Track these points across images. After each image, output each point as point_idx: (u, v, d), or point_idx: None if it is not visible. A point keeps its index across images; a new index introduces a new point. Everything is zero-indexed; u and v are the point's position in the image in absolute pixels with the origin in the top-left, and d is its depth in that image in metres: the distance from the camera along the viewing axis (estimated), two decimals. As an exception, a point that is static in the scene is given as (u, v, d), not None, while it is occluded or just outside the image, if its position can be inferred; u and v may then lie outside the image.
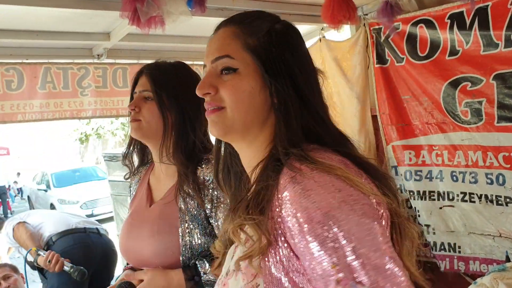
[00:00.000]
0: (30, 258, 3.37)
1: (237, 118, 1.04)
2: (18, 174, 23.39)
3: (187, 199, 1.73)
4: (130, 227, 1.86)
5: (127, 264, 1.94)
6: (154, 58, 4.08)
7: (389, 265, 0.80)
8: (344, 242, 0.80)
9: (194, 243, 1.72)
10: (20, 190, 22.57)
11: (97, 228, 3.94)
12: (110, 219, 10.23)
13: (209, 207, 1.73)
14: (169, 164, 1.80)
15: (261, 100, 1.03)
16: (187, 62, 4.42)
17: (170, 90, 1.78)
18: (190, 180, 1.73)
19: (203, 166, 1.76)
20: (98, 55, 3.70)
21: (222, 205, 1.71)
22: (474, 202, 3.04)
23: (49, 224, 3.75)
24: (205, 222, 1.75)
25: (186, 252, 1.71)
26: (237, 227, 0.96)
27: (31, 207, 17.35)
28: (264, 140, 1.06)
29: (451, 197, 3.16)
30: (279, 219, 0.88)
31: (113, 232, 7.26)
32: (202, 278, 1.68)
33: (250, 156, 1.08)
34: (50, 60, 3.69)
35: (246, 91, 1.02)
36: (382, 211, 0.91)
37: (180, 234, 1.71)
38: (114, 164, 8.38)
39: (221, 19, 3.14)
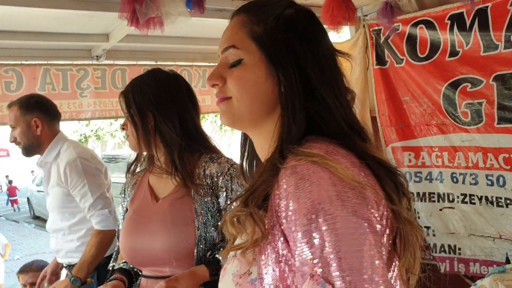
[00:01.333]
0: None
1: (243, 108, 1.03)
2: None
3: (200, 192, 1.80)
4: (135, 225, 1.86)
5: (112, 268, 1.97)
6: (153, 59, 4.14)
7: (369, 271, 0.75)
8: (326, 236, 0.77)
9: (208, 235, 1.76)
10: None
11: None
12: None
13: (221, 197, 1.81)
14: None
15: (268, 89, 1.01)
16: (186, 63, 4.48)
17: (135, 100, 1.89)
18: (187, 173, 1.83)
19: (214, 160, 1.86)
20: (97, 56, 3.70)
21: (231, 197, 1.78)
22: (474, 203, 3.03)
23: None
24: (217, 215, 1.79)
25: (201, 244, 1.74)
26: (233, 218, 0.95)
27: (31, 208, 17.35)
28: (272, 129, 1.03)
29: (451, 199, 3.15)
30: (276, 210, 0.87)
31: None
32: None
33: (261, 144, 1.08)
34: (49, 62, 3.69)
35: (251, 81, 1.01)
36: (382, 211, 0.87)
37: (197, 225, 1.74)
38: (113, 165, 8.40)
39: (219, 20, 3.15)
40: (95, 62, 3.78)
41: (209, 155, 1.89)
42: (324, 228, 0.78)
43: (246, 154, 1.22)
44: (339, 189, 0.82)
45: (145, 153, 1.99)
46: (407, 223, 0.91)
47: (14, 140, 2.91)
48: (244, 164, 1.23)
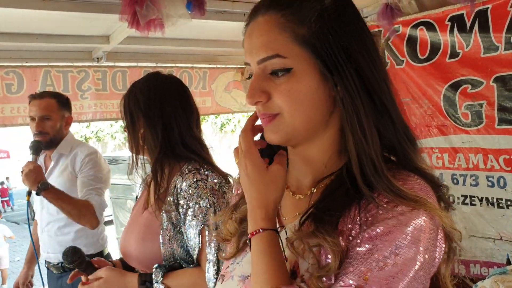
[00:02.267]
0: None
1: (297, 122, 0.89)
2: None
3: (164, 208, 1.78)
4: (126, 232, 1.94)
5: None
6: (154, 61, 4.14)
7: None
8: (390, 264, 0.78)
9: (175, 251, 1.77)
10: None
11: None
12: (109, 222, 10.23)
13: (181, 216, 1.77)
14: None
15: (322, 97, 0.88)
16: (187, 65, 4.47)
17: (128, 107, 1.89)
18: (160, 193, 1.81)
19: (184, 174, 1.79)
20: (97, 58, 3.70)
21: (189, 216, 1.73)
22: (475, 205, 3.03)
23: None
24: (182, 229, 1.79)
25: (168, 258, 1.77)
26: (312, 246, 0.85)
27: (31, 210, 17.32)
28: (329, 138, 0.93)
29: (451, 200, 3.14)
30: (350, 238, 0.83)
31: (112, 236, 7.25)
32: (153, 286, 1.74)
33: (313, 157, 0.97)
34: (50, 63, 3.70)
35: (305, 92, 0.87)
36: (442, 240, 0.87)
37: (161, 241, 1.76)
38: (113, 167, 8.37)
39: (220, 22, 3.13)
40: (95, 64, 3.79)
41: (189, 166, 1.82)
42: (392, 257, 0.78)
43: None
44: (424, 238, 0.81)
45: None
46: (457, 238, 0.91)
47: (41, 130, 2.97)
48: None
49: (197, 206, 1.72)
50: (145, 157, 1.96)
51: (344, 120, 0.88)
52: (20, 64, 3.59)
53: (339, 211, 0.86)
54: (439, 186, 0.92)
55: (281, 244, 0.91)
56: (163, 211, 1.78)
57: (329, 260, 0.82)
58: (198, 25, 2.97)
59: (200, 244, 1.72)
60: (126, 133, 1.94)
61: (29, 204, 3.03)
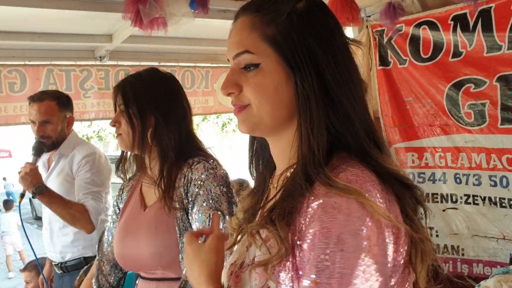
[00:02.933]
0: None
1: (263, 115, 0.97)
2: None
3: (176, 205, 1.75)
4: (126, 233, 1.87)
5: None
6: (156, 60, 4.15)
7: None
8: (337, 268, 0.79)
9: None
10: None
11: None
12: (111, 221, 10.23)
13: (188, 200, 1.76)
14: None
15: (288, 93, 0.95)
16: (190, 64, 4.47)
17: (137, 99, 1.83)
18: (169, 184, 1.78)
19: (193, 166, 1.78)
20: (100, 57, 3.71)
21: (199, 201, 1.72)
22: (477, 204, 3.03)
23: None
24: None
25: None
26: (255, 230, 0.93)
27: (33, 209, 17.37)
28: (291, 137, 0.99)
29: (454, 200, 3.15)
30: (303, 229, 0.85)
31: (115, 234, 7.25)
32: None
33: (279, 151, 1.05)
34: (52, 62, 3.70)
35: (271, 87, 0.95)
36: (403, 239, 0.88)
37: (177, 232, 1.73)
38: (115, 166, 8.39)
39: (223, 21, 3.14)
40: (98, 62, 3.79)
41: (194, 159, 1.81)
42: (337, 259, 0.79)
43: (253, 154, 1.19)
44: (363, 225, 0.81)
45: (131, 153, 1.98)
46: (424, 239, 0.92)
47: (42, 135, 2.93)
48: (251, 163, 1.20)
49: (208, 192, 1.71)
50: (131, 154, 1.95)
51: (298, 114, 0.94)
52: (23, 62, 3.59)
53: (287, 202, 0.91)
54: (410, 186, 0.95)
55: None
56: (176, 204, 1.76)
57: (273, 248, 0.88)
58: (201, 24, 2.97)
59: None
60: (123, 128, 1.84)
61: (20, 206, 2.95)
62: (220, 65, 4.58)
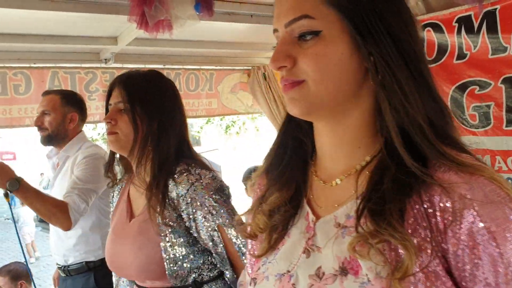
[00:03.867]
0: None
1: (324, 93, 0.82)
2: None
3: (164, 212, 1.70)
4: (113, 244, 1.86)
5: None
6: (161, 63, 4.15)
7: None
8: None
9: (178, 255, 1.70)
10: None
11: None
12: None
13: (186, 220, 1.71)
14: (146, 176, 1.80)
15: (354, 66, 0.81)
16: (194, 67, 4.48)
17: (144, 101, 1.77)
18: (159, 199, 1.71)
19: (176, 178, 1.73)
20: (105, 59, 3.71)
21: (199, 219, 1.68)
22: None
23: None
24: (186, 233, 1.73)
25: (171, 265, 1.70)
26: (382, 240, 0.76)
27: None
28: (362, 115, 0.85)
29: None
30: (447, 230, 0.74)
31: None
32: None
33: (341, 136, 0.88)
34: (57, 64, 3.71)
35: (334, 58, 0.80)
36: None
37: (162, 248, 1.69)
38: (119, 168, 8.38)
39: (227, 24, 3.13)
40: (103, 65, 3.79)
41: (178, 170, 1.75)
42: None
43: (286, 138, 1.00)
44: None
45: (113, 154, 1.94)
46: None
47: (40, 125, 2.97)
48: (279, 148, 1.01)
49: (202, 207, 1.68)
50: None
51: (380, 91, 0.81)
52: (28, 65, 3.61)
53: (397, 200, 0.77)
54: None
55: (314, 238, 0.89)
56: (159, 218, 1.71)
57: (402, 256, 0.74)
58: (205, 26, 2.97)
59: (223, 242, 1.68)
60: (121, 128, 1.77)
61: (10, 206, 2.79)
62: (224, 67, 4.59)
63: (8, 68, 3.54)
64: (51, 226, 3.11)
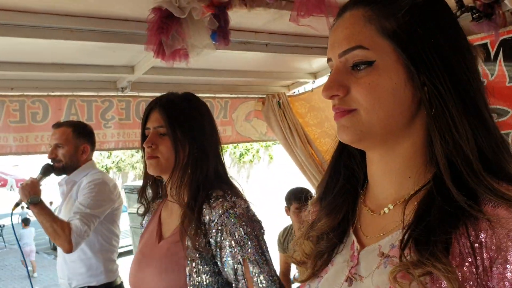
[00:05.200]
0: None
1: (375, 121, 0.82)
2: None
3: (195, 236, 1.68)
4: (139, 264, 1.84)
5: None
6: (177, 91, 4.15)
7: None
8: None
9: (202, 283, 1.66)
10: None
11: None
12: (129, 252, 10.21)
13: (213, 248, 1.69)
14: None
15: (407, 97, 0.81)
16: (209, 95, 4.51)
17: (184, 125, 1.78)
18: (193, 221, 1.69)
19: (212, 203, 1.71)
20: (122, 88, 3.74)
21: (226, 248, 1.65)
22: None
23: None
24: (212, 261, 1.70)
25: None
26: (421, 275, 0.73)
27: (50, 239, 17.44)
28: (413, 145, 0.85)
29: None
30: (493, 268, 0.70)
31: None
32: None
33: (389, 163, 0.88)
34: (74, 93, 3.75)
35: (387, 88, 0.81)
36: None
37: (187, 273, 1.66)
38: (134, 196, 8.43)
39: (243, 53, 3.15)
40: (120, 93, 3.83)
41: (214, 195, 1.74)
42: None
43: (339, 165, 1.00)
44: None
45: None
46: None
47: (54, 157, 3.11)
48: (332, 175, 1.01)
49: (232, 237, 1.64)
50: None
51: (431, 122, 0.80)
52: (46, 93, 3.65)
53: (443, 232, 0.75)
54: None
55: (357, 267, 0.88)
56: (189, 242, 1.69)
57: None
58: (221, 55, 3.00)
59: (245, 279, 1.64)
60: (163, 151, 1.77)
61: (12, 214, 3.08)
62: (239, 95, 4.61)
63: (26, 96, 3.59)
64: (58, 250, 3.15)
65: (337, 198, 0.99)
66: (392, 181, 0.89)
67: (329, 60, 0.89)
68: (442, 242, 0.74)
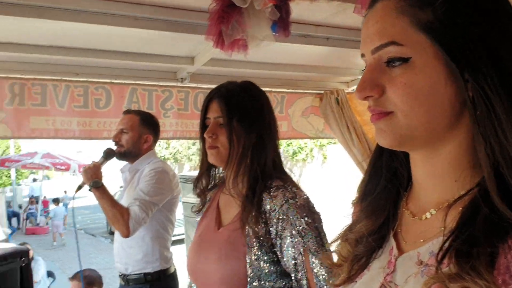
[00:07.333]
0: None
1: (416, 124, 0.75)
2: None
3: (255, 228, 1.69)
4: (199, 249, 1.84)
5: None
6: (235, 84, 4.16)
7: None
8: None
9: (262, 272, 1.66)
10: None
11: None
12: (181, 241, 10.39)
13: (273, 237, 1.68)
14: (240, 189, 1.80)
15: (450, 97, 0.73)
16: (267, 89, 4.49)
17: (243, 115, 1.78)
18: (253, 211, 1.70)
19: (272, 193, 1.72)
20: (181, 78, 3.80)
21: (287, 238, 1.64)
22: None
23: None
24: (271, 250, 1.69)
25: (253, 280, 1.65)
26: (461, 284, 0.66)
27: (108, 224, 18.04)
28: (459, 148, 0.77)
29: None
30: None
31: (183, 254, 7.34)
32: None
33: (434, 166, 0.81)
34: (136, 82, 3.84)
35: (426, 87, 0.73)
36: None
37: (248, 261, 1.67)
38: (188, 186, 8.54)
39: (302, 46, 3.10)
40: (179, 84, 3.89)
41: (272, 183, 1.74)
42: None
43: (379, 166, 0.93)
44: None
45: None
46: None
47: (118, 141, 3.25)
48: (372, 177, 0.95)
49: (293, 227, 1.63)
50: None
51: (475, 126, 0.71)
52: (109, 80, 3.76)
53: (489, 243, 0.66)
54: None
55: (393, 274, 0.83)
56: (249, 230, 1.69)
57: None
58: (280, 48, 2.98)
59: (305, 269, 1.63)
60: (221, 141, 1.79)
61: (74, 197, 3.18)
62: (296, 90, 4.58)
63: (90, 82, 3.70)
64: (115, 235, 3.24)
65: (378, 200, 0.93)
66: (436, 183, 0.82)
67: (362, 55, 0.82)
68: (486, 255, 0.65)
